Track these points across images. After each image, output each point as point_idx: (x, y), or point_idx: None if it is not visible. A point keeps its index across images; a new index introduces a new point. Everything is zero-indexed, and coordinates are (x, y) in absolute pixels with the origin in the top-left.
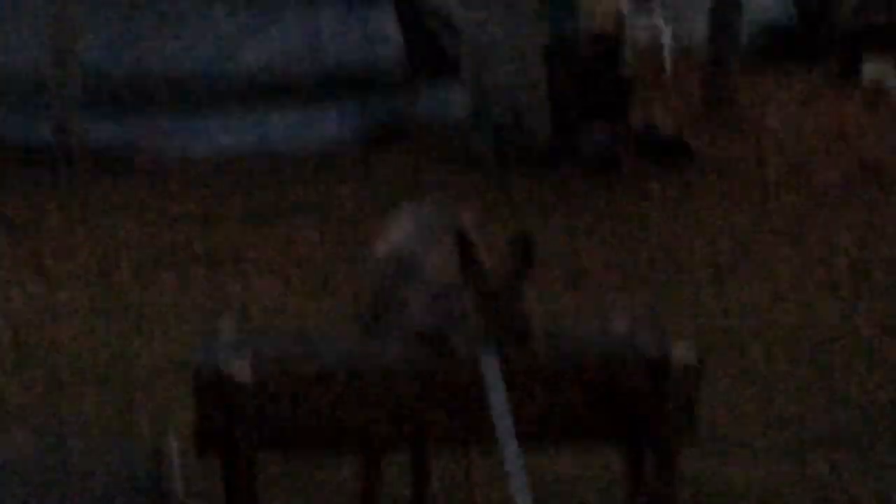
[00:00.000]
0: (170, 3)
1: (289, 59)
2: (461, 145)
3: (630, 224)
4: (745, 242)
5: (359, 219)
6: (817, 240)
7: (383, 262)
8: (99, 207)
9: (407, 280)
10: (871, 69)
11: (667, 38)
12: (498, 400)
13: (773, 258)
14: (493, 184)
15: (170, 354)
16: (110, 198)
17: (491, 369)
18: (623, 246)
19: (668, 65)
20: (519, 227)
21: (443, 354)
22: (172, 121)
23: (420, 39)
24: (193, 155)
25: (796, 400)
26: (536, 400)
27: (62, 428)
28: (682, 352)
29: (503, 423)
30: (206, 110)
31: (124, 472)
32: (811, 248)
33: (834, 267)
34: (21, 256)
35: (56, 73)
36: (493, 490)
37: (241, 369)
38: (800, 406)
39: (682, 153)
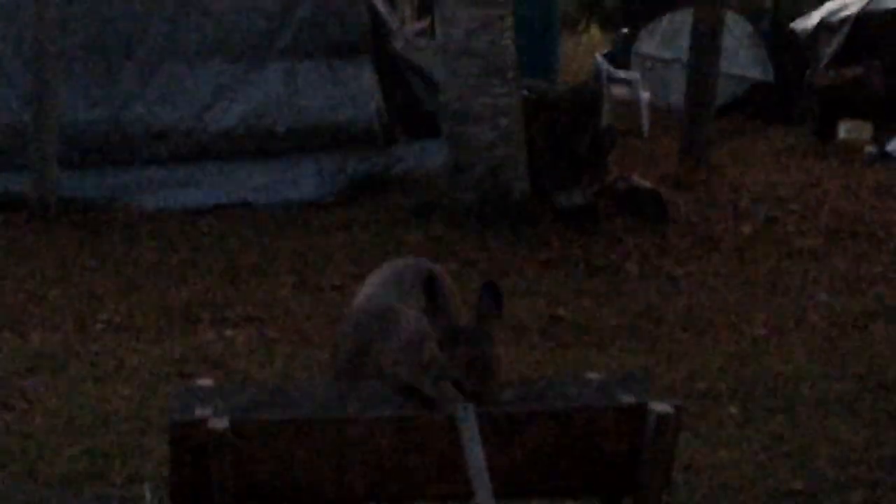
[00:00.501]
0: (148, 57)
1: (267, 113)
2: (439, 201)
3: (607, 279)
4: (721, 297)
5: (337, 272)
6: (793, 294)
7: (361, 315)
8: (75, 259)
9: (383, 333)
10: (847, 128)
11: (644, 95)
12: (474, 453)
13: (750, 312)
14: (472, 239)
15: (146, 405)
16: (87, 250)
17: (468, 422)
18: (600, 300)
19: (645, 121)
20: (487, 276)
21: (413, 402)
22: (150, 174)
23: (399, 95)
24: (171, 208)
25: (772, 452)
26: (513, 450)
27: (36, 477)
28: (659, 401)
29: (480, 476)
30: (184, 164)
31: None
32: (787, 302)
33: (810, 321)
34: None
35: (34, 125)
36: None
37: (217, 419)
38: (775, 458)
39: (659, 209)
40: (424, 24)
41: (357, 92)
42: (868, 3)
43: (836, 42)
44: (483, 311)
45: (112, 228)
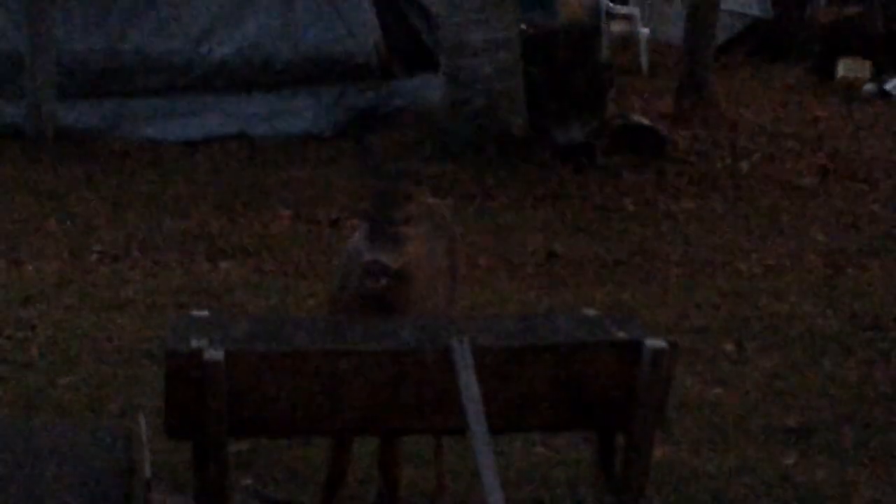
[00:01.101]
0: None
1: (265, 45)
2: (436, 135)
3: (604, 214)
4: (718, 234)
5: (333, 206)
6: (790, 233)
7: (349, 248)
8: (71, 190)
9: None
10: (846, 66)
11: (644, 32)
12: (469, 386)
13: (746, 250)
14: (469, 174)
15: (140, 336)
16: (82, 180)
17: (461, 354)
18: (596, 237)
19: (644, 57)
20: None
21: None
22: (146, 105)
23: (398, 29)
24: (167, 139)
25: (765, 391)
26: (507, 384)
27: (32, 406)
28: (653, 337)
29: (473, 407)
30: (181, 95)
31: (93, 452)
32: (784, 240)
33: (806, 260)
34: None
35: (31, 54)
36: (462, 473)
37: (212, 350)
38: (768, 397)
39: (657, 145)
40: None
41: (355, 25)
42: None
43: None
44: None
45: (108, 159)
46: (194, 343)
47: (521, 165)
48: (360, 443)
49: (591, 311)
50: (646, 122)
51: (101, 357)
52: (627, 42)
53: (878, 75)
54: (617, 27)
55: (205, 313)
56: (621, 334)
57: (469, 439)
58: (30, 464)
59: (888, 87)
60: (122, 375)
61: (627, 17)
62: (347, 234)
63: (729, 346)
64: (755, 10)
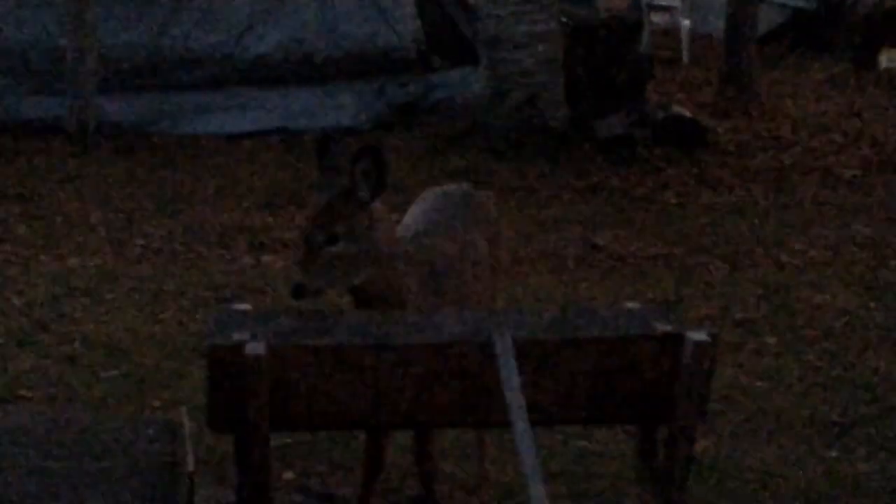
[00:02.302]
0: None
1: (306, 40)
2: (477, 128)
3: (645, 207)
4: (759, 227)
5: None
6: (832, 225)
7: None
8: (114, 184)
9: None
10: (889, 57)
11: (684, 23)
12: (510, 380)
13: (788, 243)
14: (509, 167)
15: (182, 330)
16: (125, 175)
17: (503, 347)
18: (637, 229)
19: (685, 48)
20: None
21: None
22: (188, 99)
23: (438, 22)
24: (208, 134)
25: (808, 384)
26: (549, 378)
27: (76, 400)
28: (695, 330)
29: (515, 400)
30: (222, 90)
31: (137, 446)
32: (826, 233)
33: (849, 252)
34: (36, 231)
35: (73, 49)
36: (505, 467)
37: (254, 344)
38: (811, 390)
39: (699, 137)
40: None
41: (395, 19)
42: None
43: None
44: (354, 170)
45: (150, 153)
46: (236, 337)
47: (562, 158)
48: (402, 436)
49: (632, 304)
50: (687, 113)
51: (144, 351)
52: (669, 33)
53: None
54: (658, 18)
55: (247, 307)
56: (663, 327)
57: (511, 433)
58: (74, 457)
59: None
60: (164, 369)
61: (669, 9)
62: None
63: (771, 339)
64: (797, 1)
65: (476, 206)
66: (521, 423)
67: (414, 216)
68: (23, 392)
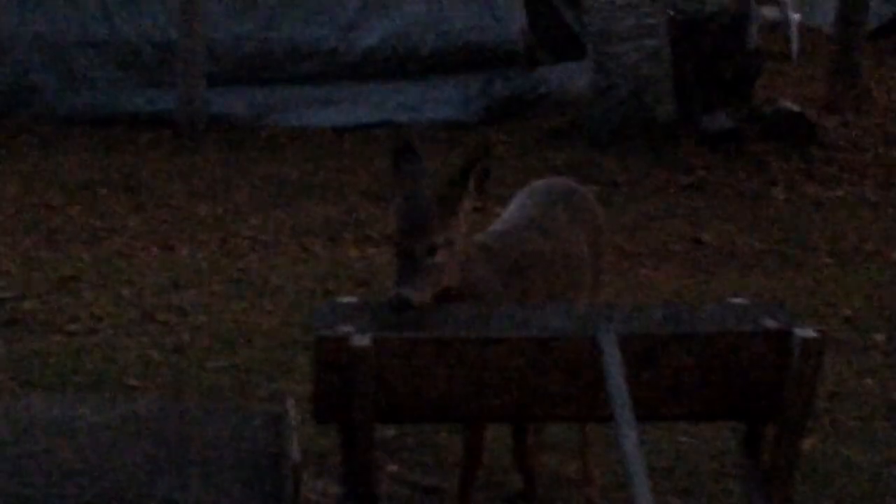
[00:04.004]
0: None
1: (412, 34)
2: (582, 122)
3: (752, 202)
4: (868, 223)
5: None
6: None
7: None
8: (220, 177)
9: None
10: None
11: (794, 18)
12: (615, 375)
13: None
14: (614, 161)
15: (289, 321)
16: (231, 167)
17: (608, 342)
18: (744, 225)
19: (794, 43)
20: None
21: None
22: (295, 93)
23: (544, 16)
24: (315, 127)
25: None
26: (654, 373)
27: (183, 390)
28: (803, 327)
29: (619, 395)
30: (329, 83)
31: (242, 437)
32: None
33: None
34: (145, 223)
35: (182, 43)
36: (608, 462)
37: (360, 336)
38: None
39: (807, 132)
40: None
41: (502, 13)
42: None
43: None
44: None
45: (257, 146)
46: (342, 329)
47: (668, 153)
48: (504, 431)
49: (739, 300)
50: (795, 108)
51: (251, 342)
52: (777, 27)
53: None
54: (767, 12)
55: (352, 299)
56: (770, 323)
57: (615, 428)
58: (181, 447)
59: None
60: (270, 361)
61: (778, 2)
62: (493, 222)
63: (879, 337)
64: None
65: (576, 200)
66: (625, 418)
67: (511, 210)
68: (131, 381)
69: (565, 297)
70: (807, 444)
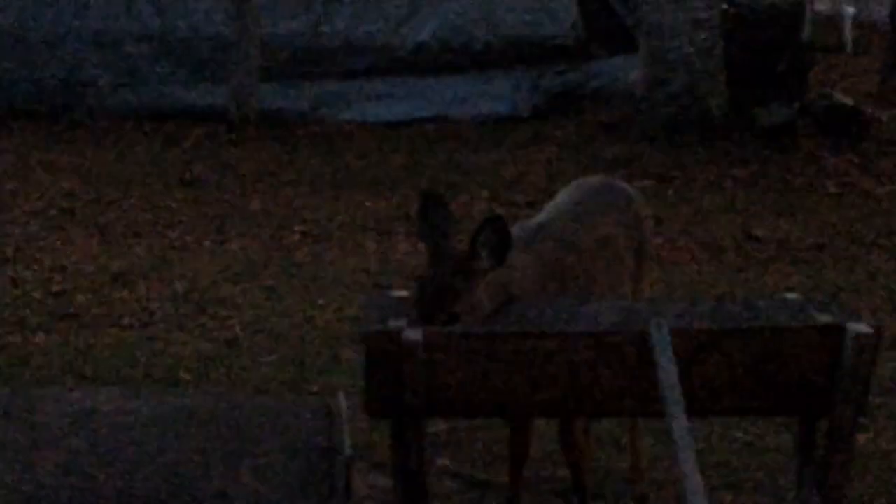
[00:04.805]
0: None
1: (464, 28)
2: (634, 116)
3: (806, 197)
4: None
5: (530, 188)
6: None
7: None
8: (274, 171)
9: None
10: None
11: (848, 11)
12: (667, 370)
13: None
14: (667, 155)
15: (341, 315)
16: (284, 162)
17: (660, 337)
18: (797, 219)
19: (848, 37)
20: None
21: None
22: (347, 88)
23: (595, 10)
24: (367, 121)
25: None
26: (706, 368)
27: (235, 383)
28: (857, 322)
29: (671, 391)
30: (381, 78)
31: (295, 430)
32: None
33: None
34: (199, 216)
35: (236, 38)
36: (660, 457)
37: (411, 330)
38: None
39: (861, 126)
40: None
41: (554, 6)
42: None
43: None
44: (477, 241)
45: (309, 141)
46: (393, 324)
47: (721, 147)
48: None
49: (792, 295)
50: (850, 102)
51: (303, 336)
52: (831, 20)
53: None
54: (821, 5)
55: (404, 293)
56: (824, 318)
57: (666, 423)
58: (233, 439)
59: None
60: (322, 354)
61: None
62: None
63: None
64: None
65: (619, 197)
66: (677, 413)
67: (551, 206)
68: (184, 375)
69: (603, 285)
70: (861, 439)
